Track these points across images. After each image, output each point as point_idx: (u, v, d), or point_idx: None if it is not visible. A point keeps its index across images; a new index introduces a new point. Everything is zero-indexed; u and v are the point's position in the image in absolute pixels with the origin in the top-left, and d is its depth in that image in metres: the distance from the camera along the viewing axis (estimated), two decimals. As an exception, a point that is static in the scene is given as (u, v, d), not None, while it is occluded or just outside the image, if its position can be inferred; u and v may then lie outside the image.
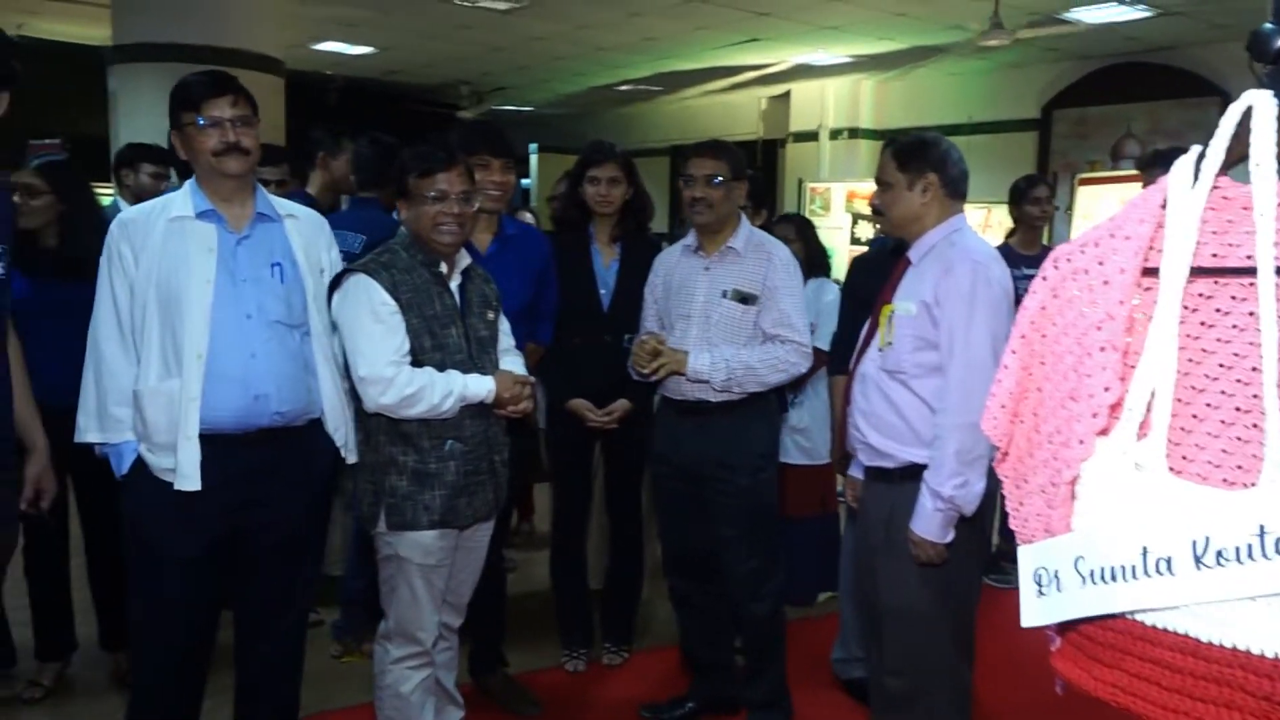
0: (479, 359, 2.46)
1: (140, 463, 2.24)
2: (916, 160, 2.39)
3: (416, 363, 2.36)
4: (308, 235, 2.39)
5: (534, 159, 11.55)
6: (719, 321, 2.82)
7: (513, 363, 2.59)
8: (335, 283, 2.43)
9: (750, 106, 11.35)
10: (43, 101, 6.49)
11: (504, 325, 2.63)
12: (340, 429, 2.39)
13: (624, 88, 10.87)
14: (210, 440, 2.21)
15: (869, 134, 10.22)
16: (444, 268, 2.46)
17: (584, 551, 3.47)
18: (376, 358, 2.32)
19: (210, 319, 2.20)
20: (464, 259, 2.52)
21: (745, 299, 2.81)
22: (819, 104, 10.32)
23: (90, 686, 3.17)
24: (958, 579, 2.36)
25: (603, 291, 3.22)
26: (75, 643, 3.24)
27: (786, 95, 10.67)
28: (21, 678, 3.19)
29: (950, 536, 2.29)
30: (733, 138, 11.37)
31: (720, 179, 2.81)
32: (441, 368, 2.38)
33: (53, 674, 3.17)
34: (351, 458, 2.42)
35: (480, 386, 2.40)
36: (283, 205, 2.39)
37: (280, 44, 6.66)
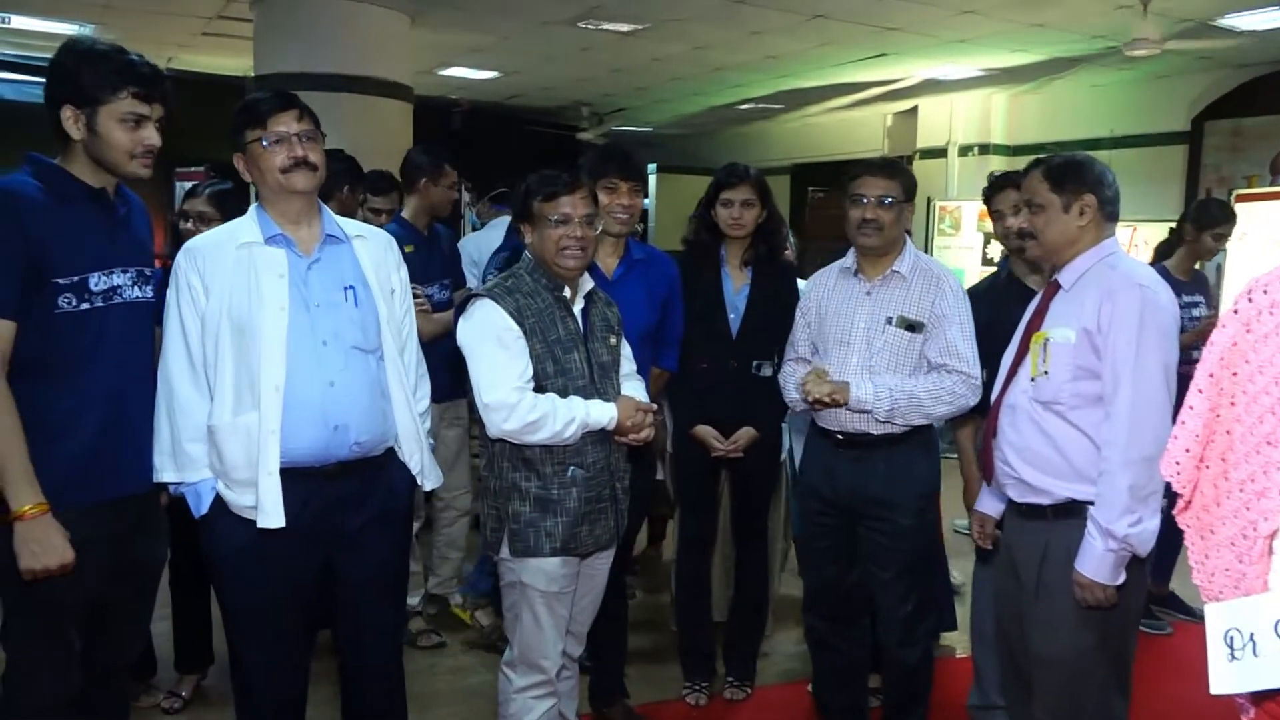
0: (601, 384, 2.46)
1: (220, 501, 2.18)
2: (1073, 181, 2.30)
3: (539, 388, 2.37)
4: (377, 256, 2.36)
5: (653, 179, 11.62)
6: (882, 349, 2.77)
7: (635, 388, 2.58)
8: (461, 308, 2.46)
9: (875, 123, 11.17)
10: (188, 131, 6.85)
11: (626, 350, 2.63)
12: (415, 455, 2.36)
13: (744, 106, 10.83)
14: (291, 475, 2.16)
15: (1001, 150, 9.91)
16: (567, 292, 2.47)
17: (708, 582, 3.43)
18: (500, 383, 2.32)
19: (286, 348, 2.15)
20: (587, 283, 2.53)
21: (912, 327, 2.75)
22: (947, 119, 10.07)
23: (225, 697, 3.22)
24: (1118, 623, 2.26)
25: (731, 316, 3.18)
26: (213, 656, 3.34)
27: (913, 111, 10.46)
28: (162, 688, 3.30)
29: (1122, 578, 2.19)
30: (856, 155, 11.25)
31: (892, 199, 2.76)
32: (564, 393, 2.38)
33: (191, 685, 3.29)
34: (428, 484, 2.40)
35: (602, 413, 2.39)
36: (349, 225, 2.37)
37: (408, 70, 6.90)
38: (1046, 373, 2.27)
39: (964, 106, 10.00)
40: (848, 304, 2.84)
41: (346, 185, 3.65)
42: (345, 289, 2.28)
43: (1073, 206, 2.30)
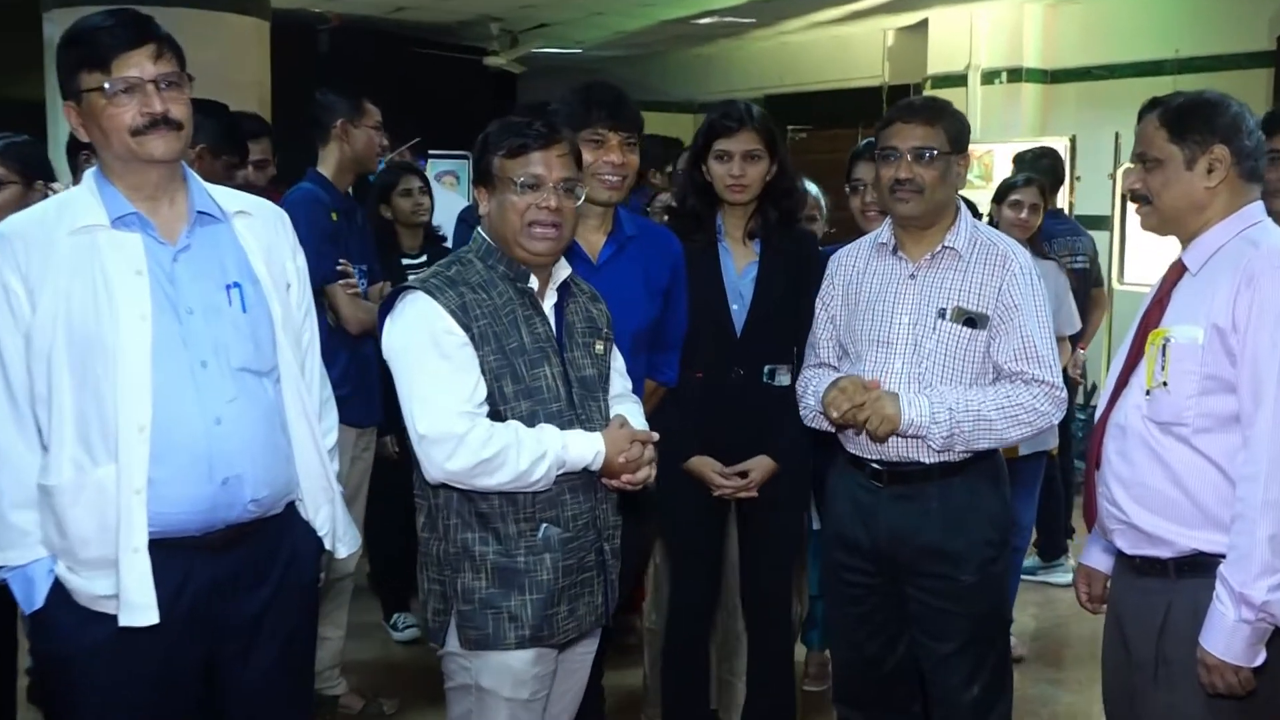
0: (583, 408, 2.45)
1: (60, 589, 2.13)
2: (1199, 128, 2.28)
3: (496, 414, 2.35)
4: (267, 237, 2.35)
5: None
6: (934, 352, 2.78)
7: (630, 412, 2.57)
8: (386, 305, 2.42)
9: (872, 42, 11.23)
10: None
11: (617, 361, 2.62)
12: (323, 509, 2.38)
13: (704, 20, 10.81)
14: (163, 548, 2.13)
15: (1035, 76, 10.01)
16: (534, 283, 2.44)
17: (706, 662, 3.42)
18: (441, 408, 2.30)
19: (152, 372, 2.12)
20: (562, 270, 2.52)
21: (972, 321, 2.78)
22: (966, 37, 10.14)
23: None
24: (1260, 713, 2.25)
25: (734, 307, 3.18)
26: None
27: (922, 26, 10.52)
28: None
29: (1261, 658, 2.19)
30: (849, 84, 11.31)
31: (933, 152, 2.77)
32: (531, 421, 2.36)
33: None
34: (343, 550, 2.43)
35: (585, 447, 2.38)
36: (227, 198, 2.34)
37: (260, -26, 6.79)
38: (1166, 384, 2.27)
39: (988, 19, 10.09)
40: (886, 291, 2.85)
41: (203, 144, 3.61)
42: (228, 287, 2.24)
43: (1199, 161, 2.28)
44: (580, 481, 2.41)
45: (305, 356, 2.40)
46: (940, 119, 2.80)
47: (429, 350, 2.33)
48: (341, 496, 2.46)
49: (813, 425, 2.95)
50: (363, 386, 3.71)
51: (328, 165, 3.81)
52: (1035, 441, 4.53)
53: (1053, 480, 5.13)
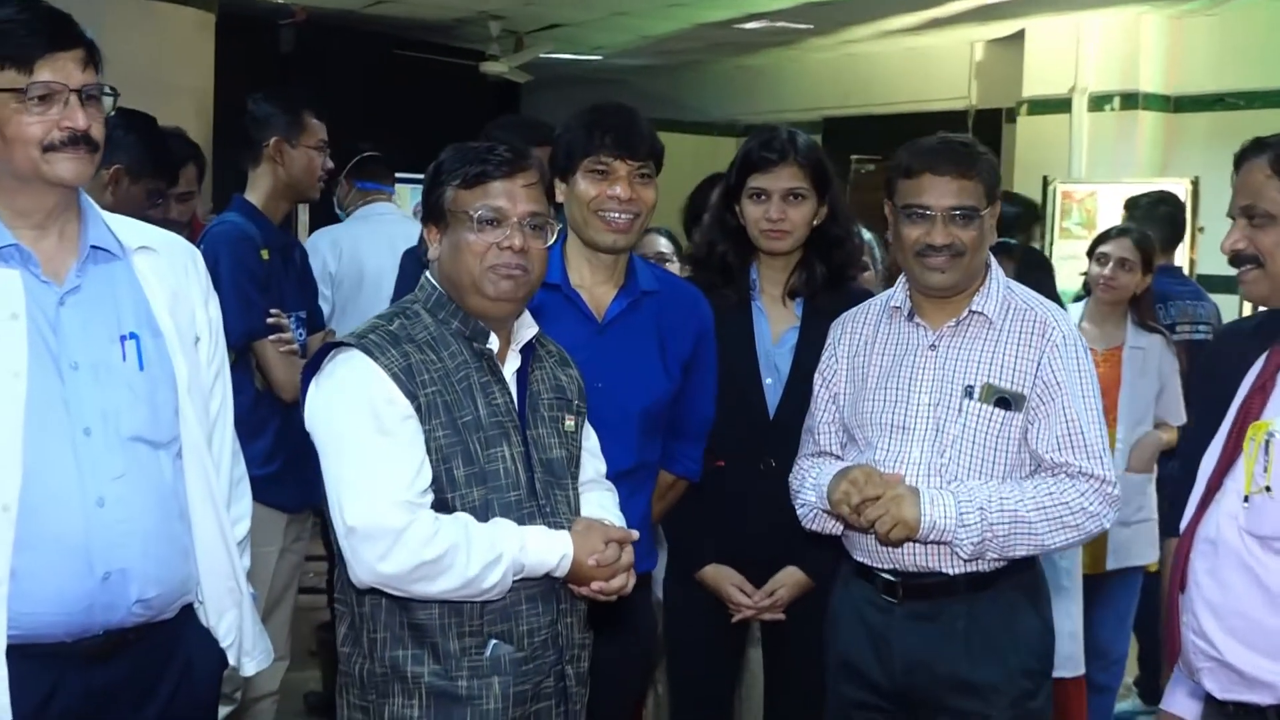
0: (547, 498, 2.49)
1: None
2: None
3: (441, 504, 2.37)
4: (174, 279, 2.37)
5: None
6: (960, 439, 2.83)
7: (603, 504, 2.59)
8: (312, 364, 2.45)
9: (957, 56, 11.31)
10: None
11: (590, 440, 2.65)
12: (229, 614, 2.40)
13: (750, 26, 10.90)
14: (26, 655, 2.13)
15: (1155, 103, 10.04)
16: (494, 343, 2.48)
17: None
18: (376, 496, 2.31)
19: (23, 439, 2.14)
20: (527, 328, 2.56)
21: (1006, 401, 2.83)
22: (1071, 53, 10.18)
23: None
24: None
25: (768, 381, 3.23)
26: None
27: (1018, 39, 10.58)
28: None
29: None
30: (927, 107, 11.36)
31: (976, 212, 2.83)
32: (483, 513, 2.39)
33: None
34: (250, 666, 2.45)
35: (548, 548, 2.41)
36: (129, 230, 2.37)
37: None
38: (1269, 489, 2.26)
39: (1097, 32, 10.13)
40: (902, 365, 2.92)
41: (119, 165, 3.67)
42: (123, 339, 2.26)
43: None
44: (540, 589, 2.42)
45: (214, 427, 2.42)
46: (976, 167, 2.86)
47: (364, 423, 2.35)
48: (253, 599, 2.47)
49: (812, 527, 2.97)
50: (297, 463, 3.65)
51: (258, 192, 3.84)
52: (1129, 554, 4.56)
53: (1153, 602, 5.11)
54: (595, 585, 2.44)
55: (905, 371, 2.90)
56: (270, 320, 3.67)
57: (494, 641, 2.38)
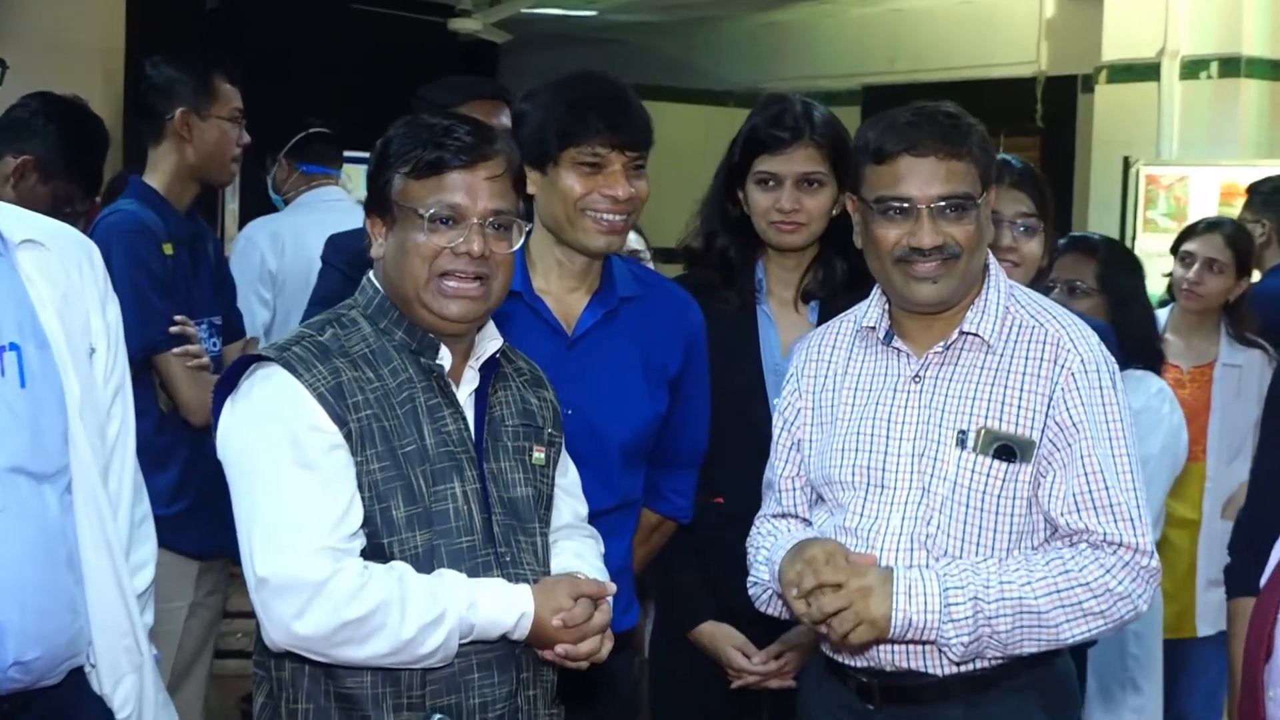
0: (508, 544, 2.51)
1: None
2: None
3: (377, 551, 2.39)
4: (65, 279, 2.38)
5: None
6: (950, 500, 2.70)
7: (580, 553, 2.61)
8: (228, 381, 2.46)
9: (1023, 13, 11.30)
10: None
11: (567, 476, 2.68)
12: (126, 680, 2.40)
13: (775, -25, 10.94)
14: None
15: (1262, 69, 10.05)
16: (445, 357, 2.50)
17: None
18: (293, 541, 2.34)
19: None
20: (489, 340, 2.57)
21: (1009, 450, 2.69)
22: (1159, 10, 10.19)
23: None
24: None
25: (775, 401, 3.19)
26: None
27: (1095, -6, 10.61)
28: None
29: None
30: (989, 73, 11.33)
31: (971, 201, 2.71)
32: (429, 562, 2.41)
33: None
34: None
35: (504, 605, 2.41)
36: (11, 219, 2.38)
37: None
38: None
39: (1190, -9, 10.14)
40: (879, 403, 2.80)
41: (30, 155, 3.70)
42: (1, 350, 2.28)
43: None
44: (496, 654, 2.43)
45: (112, 456, 2.43)
46: (967, 143, 2.73)
47: (282, 453, 2.36)
48: (156, 663, 2.47)
49: (766, 610, 2.87)
50: (209, 499, 3.56)
51: (160, 173, 3.84)
52: (1224, 617, 4.52)
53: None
54: (561, 649, 2.44)
55: (883, 411, 2.77)
56: (174, 329, 3.65)
57: (438, 716, 2.38)
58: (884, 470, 2.74)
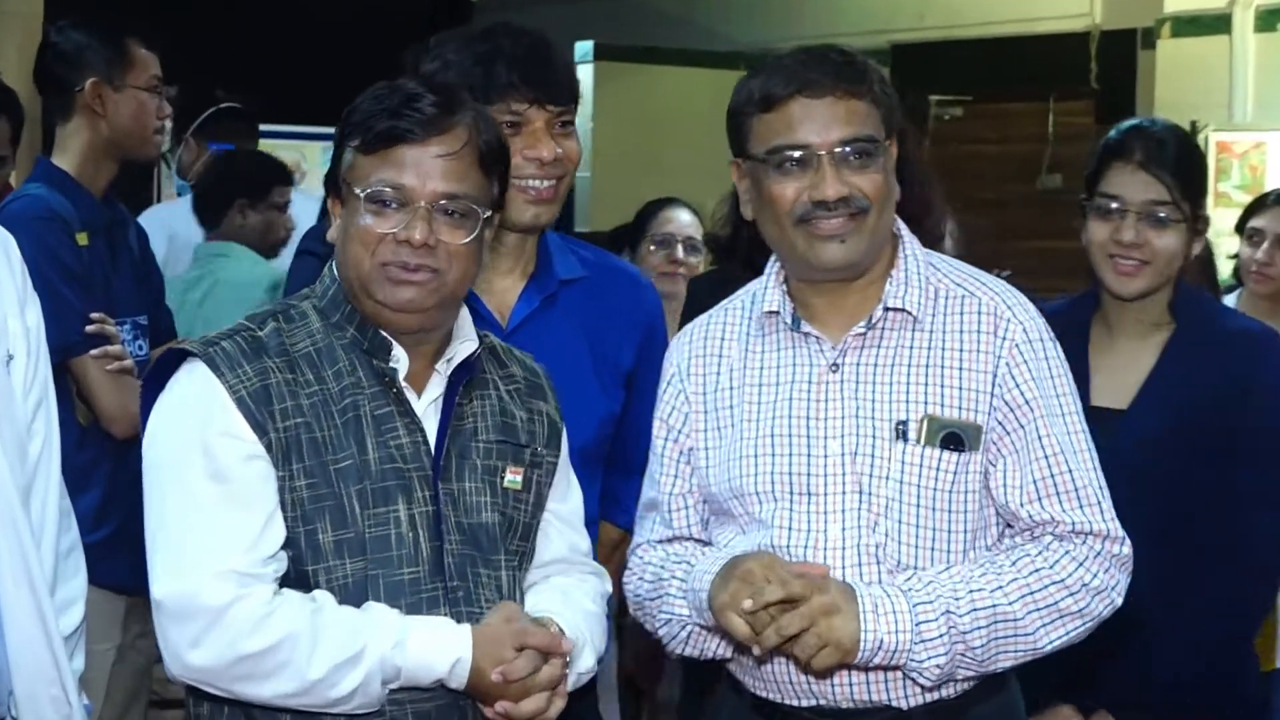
0: (461, 578, 2.52)
1: None
2: None
3: (301, 580, 2.44)
4: None
5: (585, 74, 11.66)
6: (896, 501, 2.69)
7: (565, 594, 2.62)
8: (157, 378, 2.50)
9: (1072, -39, 11.30)
10: None
11: (567, 504, 2.71)
12: None
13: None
14: None
15: (1351, 22, 10.07)
16: (400, 360, 2.51)
17: None
18: (193, 561, 2.37)
19: None
20: (462, 340, 2.58)
21: (956, 438, 2.70)
22: (1230, -45, 10.22)
23: None
24: None
25: None
26: None
27: (1155, -66, 10.62)
28: None
29: None
30: (1035, 29, 11.32)
31: (875, 143, 2.71)
32: (359, 593, 2.44)
33: None
34: None
35: (436, 647, 2.42)
36: None
37: None
38: None
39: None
40: (793, 399, 2.78)
41: None
42: None
43: None
44: (437, 704, 2.45)
45: (34, 478, 2.46)
46: (866, 80, 2.73)
47: (192, 461, 2.39)
48: (86, 714, 2.51)
49: (681, 650, 2.82)
50: (138, 525, 3.69)
51: (71, 153, 3.86)
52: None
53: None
54: (500, 707, 2.45)
55: (799, 408, 2.74)
56: (91, 328, 3.64)
57: None
58: (809, 475, 2.71)
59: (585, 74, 11.55)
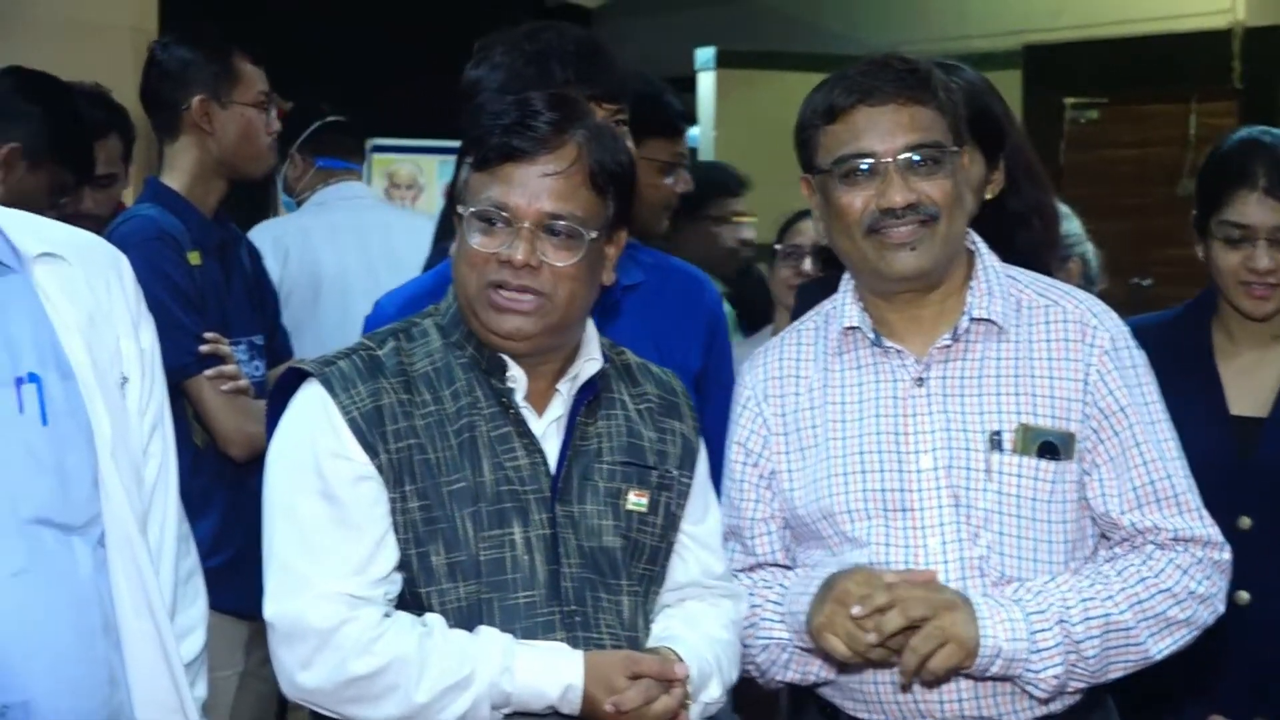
0: (580, 603, 2.54)
1: None
2: None
3: (415, 603, 2.46)
4: (91, 298, 2.42)
5: (707, 82, 11.65)
6: (995, 513, 2.74)
7: (692, 619, 2.62)
8: (278, 395, 2.56)
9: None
10: None
11: (703, 525, 2.70)
12: None
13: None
14: None
15: None
16: (517, 379, 2.53)
17: None
18: (304, 583, 2.41)
19: None
20: (586, 359, 2.59)
21: (1051, 447, 2.74)
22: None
23: None
24: None
25: None
26: None
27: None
28: None
29: None
30: (1174, 25, 11.18)
31: (941, 150, 2.75)
32: (474, 619, 2.46)
33: None
34: None
35: (547, 673, 2.44)
36: (28, 230, 2.42)
37: None
38: None
39: None
40: (879, 415, 2.83)
41: (14, 144, 3.77)
42: (18, 382, 2.31)
43: None
44: None
45: (151, 502, 2.46)
46: (930, 88, 2.78)
47: (306, 482, 2.45)
48: None
49: (781, 678, 2.85)
50: (258, 549, 3.72)
51: (179, 172, 3.91)
52: None
53: None
54: None
55: (886, 425, 2.80)
56: (205, 349, 3.68)
57: None
58: (902, 491, 2.77)
59: (707, 81, 11.59)
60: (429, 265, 3.64)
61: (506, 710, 2.41)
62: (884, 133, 2.73)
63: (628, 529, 2.59)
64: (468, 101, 2.94)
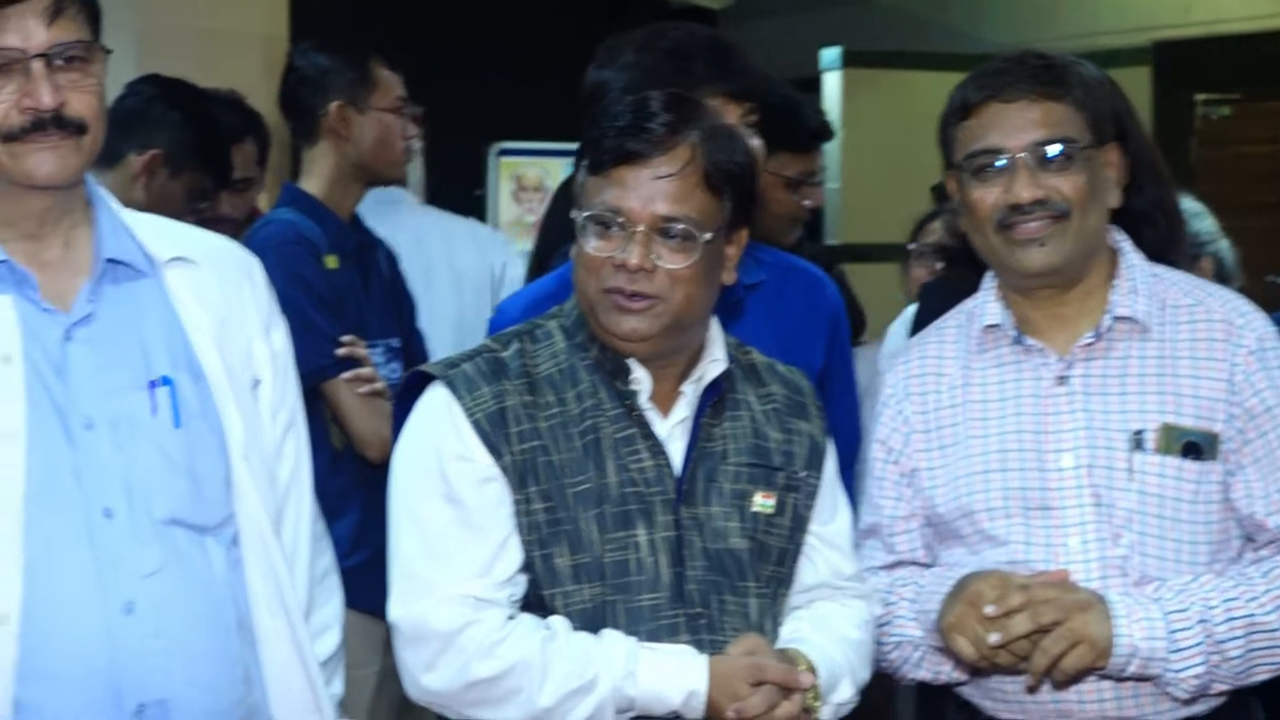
0: (705, 606, 2.54)
1: None
2: None
3: (538, 604, 2.46)
4: (222, 301, 2.44)
5: (833, 82, 11.60)
6: (1137, 513, 2.71)
7: (820, 620, 2.60)
8: (404, 398, 2.58)
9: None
10: None
11: (832, 526, 2.67)
12: None
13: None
14: None
15: None
16: (641, 381, 2.54)
17: None
18: (428, 585, 2.43)
19: (23, 526, 2.20)
20: (710, 360, 2.58)
21: (1195, 447, 2.70)
22: None
23: None
24: None
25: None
26: None
27: None
28: None
29: None
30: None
31: (1075, 145, 2.73)
32: (598, 621, 2.47)
33: None
34: None
35: (670, 678, 2.42)
36: (161, 234, 2.43)
37: None
38: None
39: None
40: (1020, 414, 2.82)
41: (158, 150, 3.81)
42: (152, 385, 2.33)
43: None
44: None
45: (285, 502, 2.50)
46: (1065, 83, 2.75)
47: (430, 485, 2.46)
48: None
49: (915, 675, 2.84)
50: None
51: (317, 177, 3.94)
52: None
53: None
54: None
55: (1027, 423, 2.79)
56: (342, 351, 3.71)
57: None
58: (1043, 490, 2.75)
59: (833, 81, 11.53)
60: (552, 267, 3.57)
61: (630, 714, 2.41)
62: (1014, 128, 2.72)
63: (754, 531, 2.57)
64: (594, 103, 2.92)
